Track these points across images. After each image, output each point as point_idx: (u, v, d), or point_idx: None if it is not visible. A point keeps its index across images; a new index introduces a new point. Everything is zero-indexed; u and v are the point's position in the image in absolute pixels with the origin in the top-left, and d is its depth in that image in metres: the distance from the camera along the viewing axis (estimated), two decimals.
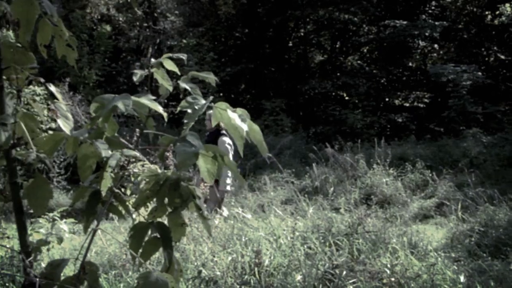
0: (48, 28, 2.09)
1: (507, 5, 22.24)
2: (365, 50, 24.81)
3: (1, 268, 5.06)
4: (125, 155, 1.93)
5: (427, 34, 20.29)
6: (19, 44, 2.07)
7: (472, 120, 17.30)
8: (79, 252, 2.04)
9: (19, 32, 2.02)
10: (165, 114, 2.02)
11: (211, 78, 2.11)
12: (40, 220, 5.03)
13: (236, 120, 1.92)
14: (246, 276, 5.29)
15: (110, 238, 6.49)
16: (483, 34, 22.09)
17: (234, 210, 7.69)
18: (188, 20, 24.90)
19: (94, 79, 19.50)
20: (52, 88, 2.11)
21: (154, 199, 2.00)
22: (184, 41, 22.54)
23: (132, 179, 2.10)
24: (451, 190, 10.31)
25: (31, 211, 2.08)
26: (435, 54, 24.77)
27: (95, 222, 1.99)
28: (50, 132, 2.27)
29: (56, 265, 1.93)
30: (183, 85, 2.03)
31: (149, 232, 1.98)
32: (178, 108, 1.96)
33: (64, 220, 5.16)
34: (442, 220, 8.94)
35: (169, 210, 2.00)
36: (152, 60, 2.11)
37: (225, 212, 7.92)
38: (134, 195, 2.12)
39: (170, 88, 2.09)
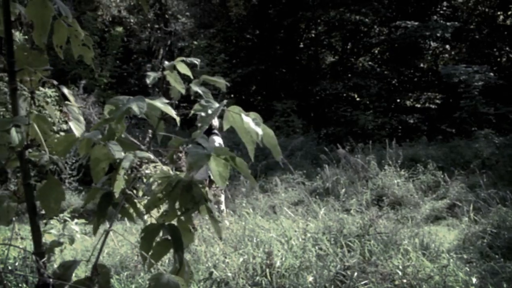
0: (64, 29, 2.10)
1: None
2: (376, 51, 24.72)
3: (14, 269, 5.09)
4: (138, 156, 1.93)
5: (438, 34, 20.18)
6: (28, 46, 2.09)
7: (484, 121, 17.19)
8: (91, 253, 2.05)
9: (33, 34, 2.03)
10: (177, 118, 2.03)
11: (221, 83, 2.12)
12: (52, 221, 5.05)
13: (250, 124, 1.92)
14: (257, 277, 5.30)
15: (122, 239, 6.52)
16: (495, 35, 21.95)
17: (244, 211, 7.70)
18: (199, 21, 24.93)
19: (106, 81, 19.57)
20: (65, 90, 2.12)
21: (166, 201, 2.00)
22: (195, 42, 22.56)
23: (144, 180, 2.10)
24: (463, 191, 10.25)
25: (43, 212, 2.09)
26: (446, 55, 24.65)
27: (107, 223, 2.00)
28: (62, 133, 2.28)
29: (68, 266, 1.94)
30: (195, 88, 2.03)
31: (160, 233, 1.98)
32: (192, 112, 1.96)
33: (76, 221, 5.18)
34: (454, 222, 8.89)
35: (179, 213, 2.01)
36: (166, 62, 2.12)
37: (223, 206, 8.01)
38: (145, 197, 2.12)
39: (183, 91, 2.10)
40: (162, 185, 2.00)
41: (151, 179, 2.05)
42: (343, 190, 9.97)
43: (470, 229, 7.37)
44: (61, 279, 1.88)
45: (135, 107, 1.85)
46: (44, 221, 4.98)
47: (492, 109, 17.52)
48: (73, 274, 1.92)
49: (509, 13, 22.63)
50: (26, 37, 2.69)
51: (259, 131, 1.92)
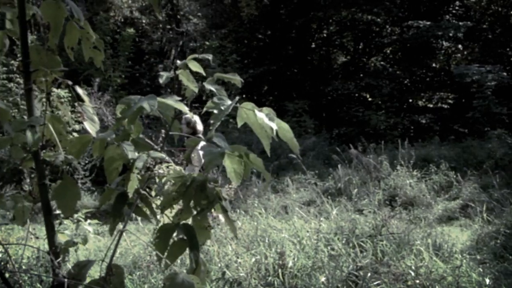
0: (75, 31, 2.12)
1: None
2: (388, 51, 24.62)
3: (29, 268, 5.12)
4: (151, 156, 1.94)
5: (451, 34, 20.06)
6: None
7: (497, 121, 17.09)
8: (105, 253, 2.05)
9: (49, 35, 2.04)
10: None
11: (236, 79, 2.12)
12: (65, 221, 5.07)
13: (264, 119, 1.92)
14: (270, 278, 5.30)
15: (135, 239, 6.54)
16: (508, 34, 21.79)
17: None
18: (211, 22, 24.96)
19: (119, 81, 19.64)
20: (79, 90, 2.13)
21: (180, 201, 2.01)
22: (207, 43, 22.57)
23: (157, 180, 2.11)
24: (475, 191, 10.20)
25: (57, 212, 2.10)
26: (459, 55, 24.52)
27: (120, 224, 2.01)
28: (75, 134, 2.29)
29: (83, 266, 1.95)
30: (209, 86, 2.04)
31: (175, 233, 1.99)
32: (204, 109, 1.97)
33: (89, 221, 5.20)
34: (467, 222, 8.85)
35: (194, 212, 2.01)
36: (178, 62, 2.13)
37: None
38: (158, 197, 2.13)
39: (196, 90, 2.10)
40: (176, 185, 2.00)
41: (164, 179, 2.05)
42: (355, 190, 9.96)
43: (483, 230, 7.32)
44: (76, 279, 1.89)
45: (146, 105, 1.86)
46: (58, 221, 5.01)
47: (505, 109, 17.41)
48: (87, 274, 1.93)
49: None
50: (35, 37, 2.71)
51: (274, 125, 1.92)
